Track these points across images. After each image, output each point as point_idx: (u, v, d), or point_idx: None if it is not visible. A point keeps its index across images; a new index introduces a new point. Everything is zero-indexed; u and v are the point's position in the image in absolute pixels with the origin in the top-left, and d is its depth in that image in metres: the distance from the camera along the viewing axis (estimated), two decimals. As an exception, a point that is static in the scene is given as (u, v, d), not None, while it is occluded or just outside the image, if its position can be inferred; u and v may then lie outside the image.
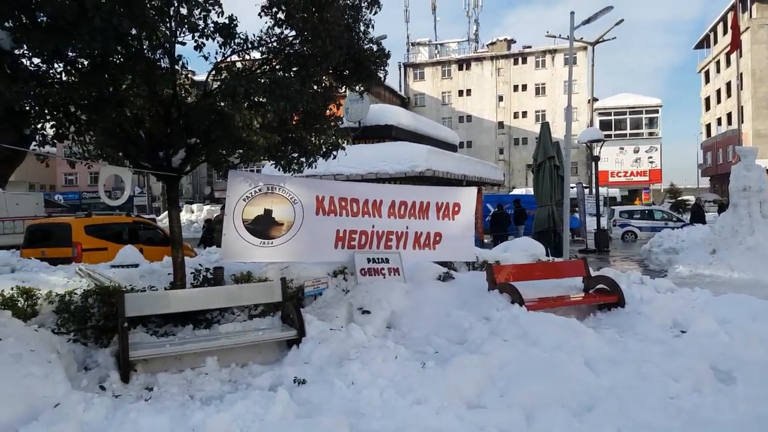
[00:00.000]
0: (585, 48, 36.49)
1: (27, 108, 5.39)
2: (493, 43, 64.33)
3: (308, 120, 6.99)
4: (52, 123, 5.87)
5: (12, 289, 6.03)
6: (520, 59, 61.94)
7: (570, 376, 4.89)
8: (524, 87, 61.48)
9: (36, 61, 5.50)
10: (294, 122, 7.00)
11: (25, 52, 5.35)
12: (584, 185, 27.84)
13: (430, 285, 7.95)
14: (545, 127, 15.71)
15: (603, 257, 18.76)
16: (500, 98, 62.02)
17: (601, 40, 27.47)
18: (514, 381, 4.81)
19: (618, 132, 56.47)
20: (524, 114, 61.50)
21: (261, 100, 6.10)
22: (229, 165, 7.64)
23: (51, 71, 5.62)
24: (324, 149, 7.29)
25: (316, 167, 7.61)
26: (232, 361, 5.80)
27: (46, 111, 5.56)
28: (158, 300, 6.13)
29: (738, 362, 5.33)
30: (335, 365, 5.23)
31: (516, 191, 40.15)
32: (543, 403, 4.45)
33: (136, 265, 8.67)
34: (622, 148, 54.38)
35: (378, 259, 8.38)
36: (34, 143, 6.07)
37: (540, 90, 61.05)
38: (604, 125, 53.48)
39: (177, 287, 6.62)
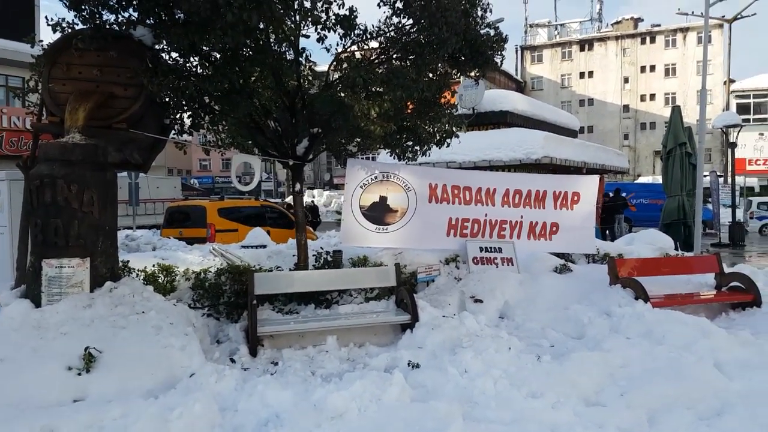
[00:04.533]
0: (721, 25, 33.23)
1: (167, 99, 5.89)
2: (618, 22, 60.45)
3: (423, 108, 7.02)
4: (188, 113, 6.38)
5: (153, 266, 6.64)
6: (648, 38, 57.65)
7: (698, 378, 4.57)
8: (652, 68, 57.18)
9: (174, 55, 5.99)
10: (409, 111, 7.05)
11: (165, 47, 5.85)
12: (718, 174, 25.41)
13: (546, 277, 7.72)
14: (676, 111, 14.53)
15: (738, 252, 17.16)
16: (625, 80, 58.15)
17: (739, 16, 24.88)
18: (636, 380, 4.56)
19: (757, 116, 50.53)
20: (652, 97, 57.23)
21: (378, 89, 6.22)
22: (348, 153, 7.89)
23: (187, 65, 6.07)
24: (438, 137, 7.29)
25: (429, 155, 7.64)
26: (350, 341, 6.00)
27: (184, 102, 6.04)
28: (284, 280, 6.50)
29: None
30: (448, 352, 5.24)
31: (642, 179, 37.65)
32: (667, 405, 4.20)
33: (264, 246, 9.25)
34: (762, 134, 48.57)
35: (491, 248, 8.27)
36: (173, 132, 6.65)
37: (670, 71, 56.53)
38: (742, 109, 48.15)
39: (300, 268, 6.96)
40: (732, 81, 35.49)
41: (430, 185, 8.26)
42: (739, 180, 31.67)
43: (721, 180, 26.34)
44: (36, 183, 5.02)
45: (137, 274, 6.24)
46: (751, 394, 4.34)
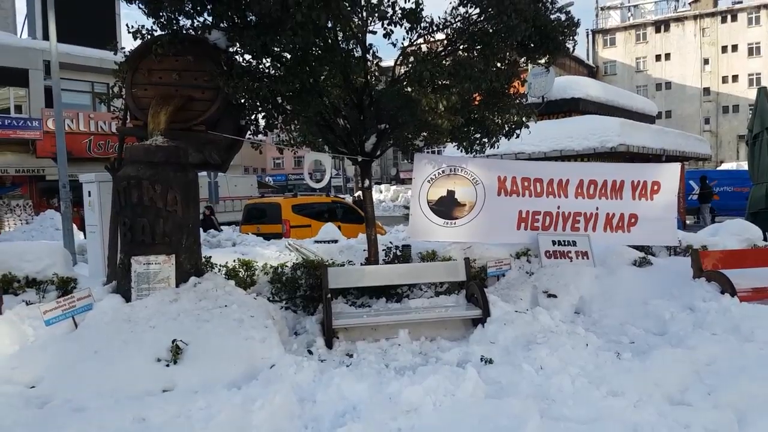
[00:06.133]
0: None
1: (242, 101, 6.08)
2: (696, 1, 57.03)
3: (491, 99, 6.90)
4: (263, 114, 6.58)
5: (234, 261, 6.90)
6: (728, 17, 54.24)
7: (792, 377, 4.26)
8: (734, 48, 53.73)
9: (247, 57, 6.17)
10: (476, 102, 6.96)
11: (238, 50, 6.04)
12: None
13: (624, 270, 7.43)
14: (762, 92, 13.50)
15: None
16: (705, 61, 54.90)
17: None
18: (724, 379, 4.34)
19: None
20: (735, 78, 53.77)
21: (445, 82, 6.16)
22: (415, 148, 7.89)
23: (260, 67, 6.23)
24: (507, 128, 7.14)
25: (498, 147, 7.51)
26: (422, 335, 6.03)
27: (258, 103, 6.21)
28: (356, 274, 6.60)
29: None
30: (522, 348, 5.17)
31: (725, 166, 35.44)
32: (759, 406, 3.95)
33: (336, 241, 9.43)
34: None
35: (564, 241, 8.04)
36: (249, 132, 6.87)
37: (753, 50, 53.02)
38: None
39: (371, 263, 7.04)
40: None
41: (499, 178, 8.12)
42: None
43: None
44: (123, 184, 5.32)
45: (219, 269, 6.49)
46: None
